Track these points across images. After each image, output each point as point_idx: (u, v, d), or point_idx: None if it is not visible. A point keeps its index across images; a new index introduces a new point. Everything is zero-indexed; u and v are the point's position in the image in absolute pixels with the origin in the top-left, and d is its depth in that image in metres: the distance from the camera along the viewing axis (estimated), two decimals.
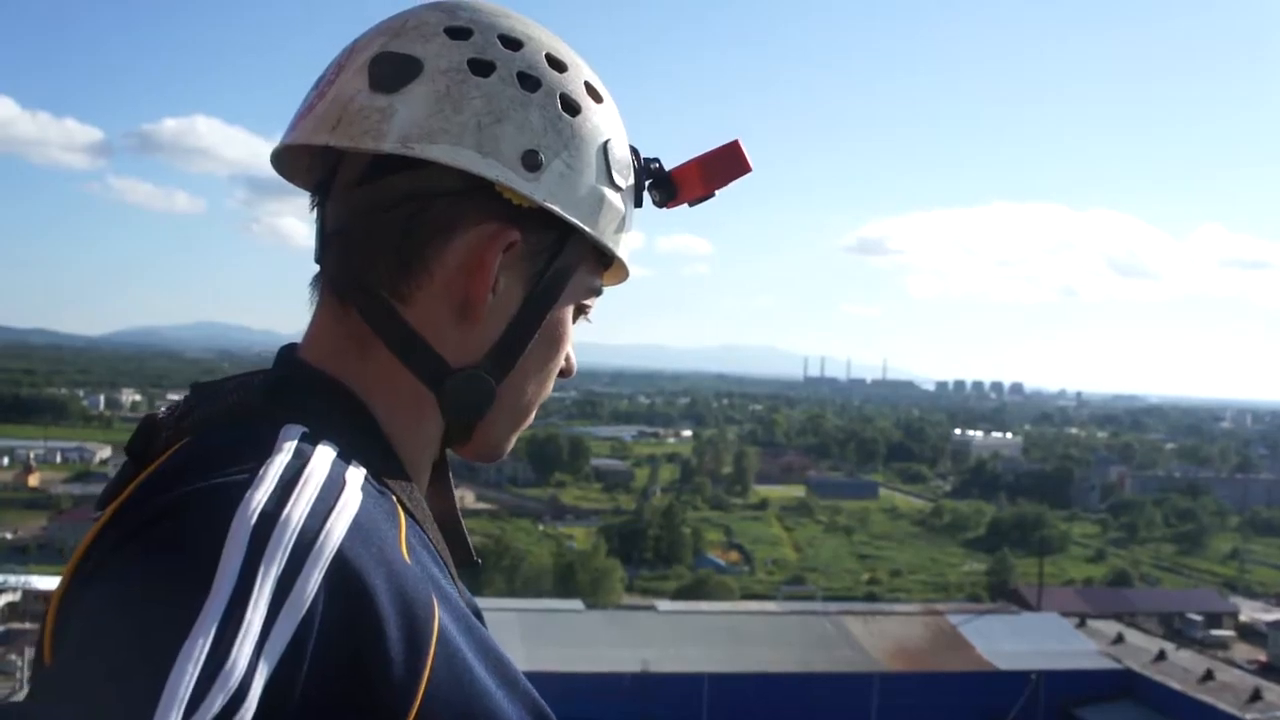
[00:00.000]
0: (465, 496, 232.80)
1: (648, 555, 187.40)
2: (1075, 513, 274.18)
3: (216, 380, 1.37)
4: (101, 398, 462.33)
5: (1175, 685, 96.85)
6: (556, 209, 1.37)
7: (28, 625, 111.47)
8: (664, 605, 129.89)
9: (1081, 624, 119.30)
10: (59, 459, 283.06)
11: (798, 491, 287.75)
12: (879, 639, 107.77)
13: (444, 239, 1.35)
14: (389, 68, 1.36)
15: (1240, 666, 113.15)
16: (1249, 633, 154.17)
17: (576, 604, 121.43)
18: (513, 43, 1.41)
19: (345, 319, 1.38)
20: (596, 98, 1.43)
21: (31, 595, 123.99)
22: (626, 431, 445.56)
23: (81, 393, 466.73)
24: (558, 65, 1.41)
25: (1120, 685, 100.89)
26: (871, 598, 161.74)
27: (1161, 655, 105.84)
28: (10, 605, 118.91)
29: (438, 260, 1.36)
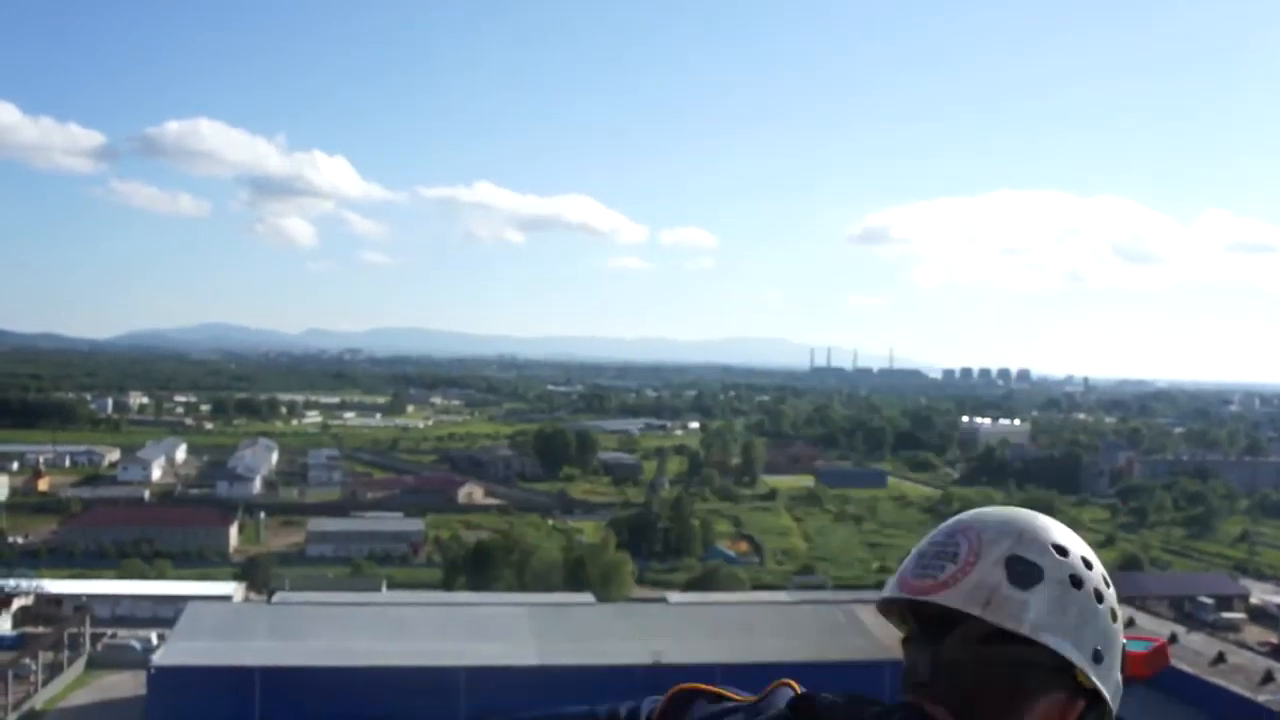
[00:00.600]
0: (474, 493, 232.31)
1: (657, 548, 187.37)
2: (1084, 498, 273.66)
3: (840, 702, 2.48)
4: (109, 401, 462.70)
5: (1187, 669, 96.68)
6: (1105, 694, 2.14)
7: (40, 629, 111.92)
8: (675, 597, 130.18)
9: None
10: (68, 463, 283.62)
11: (806, 481, 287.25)
12: (891, 627, 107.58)
13: (1036, 697, 2.15)
14: (1022, 569, 2.18)
15: (1252, 649, 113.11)
16: (1260, 615, 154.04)
17: (587, 597, 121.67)
18: (1088, 564, 2.27)
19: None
20: (1116, 615, 2.20)
21: (44, 599, 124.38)
22: (634, 425, 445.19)
23: (89, 396, 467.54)
24: (1108, 584, 2.25)
25: None
26: (882, 586, 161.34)
27: (1173, 638, 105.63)
28: (23, 609, 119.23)
29: (1029, 710, 2.16)
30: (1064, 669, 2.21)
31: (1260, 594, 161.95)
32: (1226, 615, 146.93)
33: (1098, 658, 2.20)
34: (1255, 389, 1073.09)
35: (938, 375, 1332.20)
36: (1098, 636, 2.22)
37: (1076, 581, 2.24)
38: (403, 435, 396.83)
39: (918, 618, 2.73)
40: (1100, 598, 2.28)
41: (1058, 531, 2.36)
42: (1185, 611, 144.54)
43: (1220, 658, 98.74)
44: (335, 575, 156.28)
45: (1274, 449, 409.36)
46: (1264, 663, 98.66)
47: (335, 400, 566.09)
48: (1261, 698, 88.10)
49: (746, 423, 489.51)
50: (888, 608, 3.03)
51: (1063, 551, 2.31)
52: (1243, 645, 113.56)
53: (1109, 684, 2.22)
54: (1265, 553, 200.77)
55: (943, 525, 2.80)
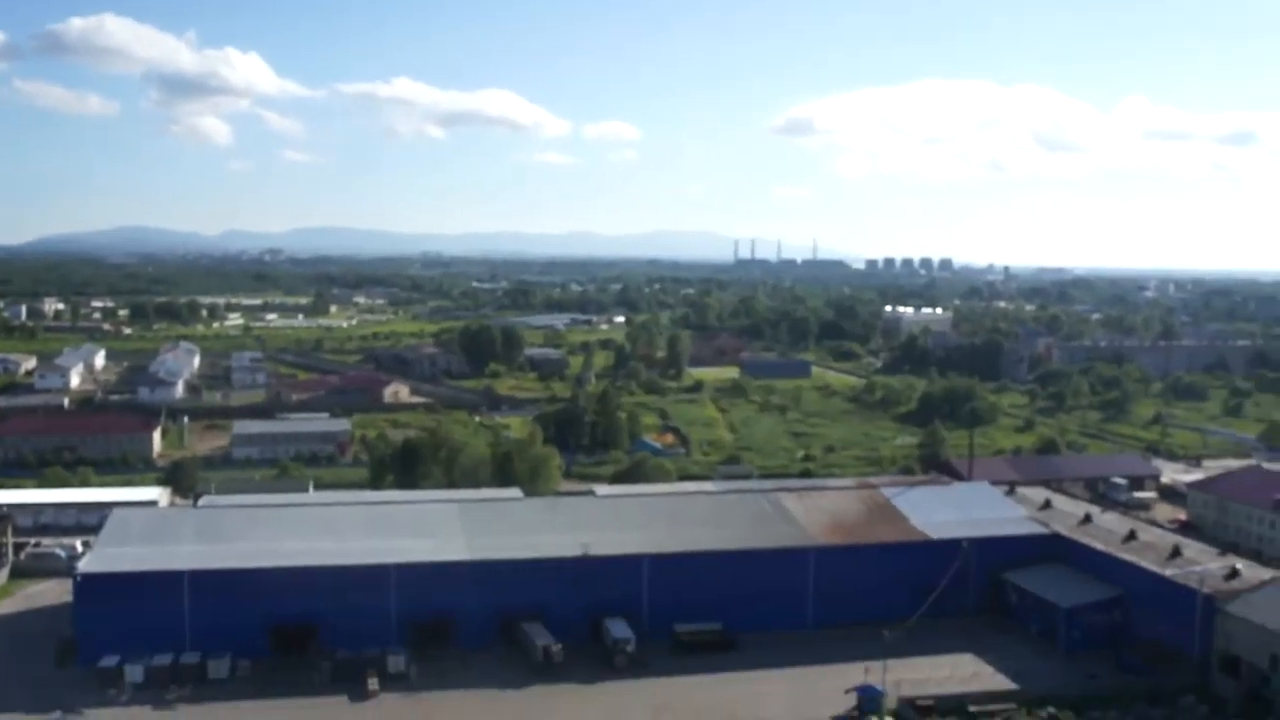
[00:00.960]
0: (400, 391, 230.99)
1: (584, 441, 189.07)
2: (1004, 384, 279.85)
3: None
4: (23, 308, 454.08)
5: (1100, 546, 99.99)
6: None
7: None
8: (602, 490, 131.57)
9: (1011, 491, 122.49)
10: None
11: (731, 373, 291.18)
12: (815, 514, 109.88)
13: None
14: None
15: (1161, 526, 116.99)
16: (1170, 494, 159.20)
17: (515, 492, 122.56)
18: None
19: None
20: None
21: None
22: (559, 320, 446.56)
23: (1, 304, 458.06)
24: None
25: (1048, 549, 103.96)
26: (806, 474, 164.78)
27: (1087, 518, 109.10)
28: None
29: None
30: None
31: (1171, 474, 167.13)
32: (1139, 495, 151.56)
33: None
34: (1171, 275, 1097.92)
35: (861, 265, 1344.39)
36: None
37: None
38: (326, 335, 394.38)
39: None
40: None
41: None
42: (1100, 492, 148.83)
43: (1132, 535, 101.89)
44: (262, 477, 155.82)
45: (1187, 333, 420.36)
46: (1172, 539, 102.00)
47: (257, 302, 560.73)
48: (1169, 572, 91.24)
49: (672, 316, 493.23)
50: None
51: None
52: (1153, 523, 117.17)
53: None
54: (1176, 434, 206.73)
55: None
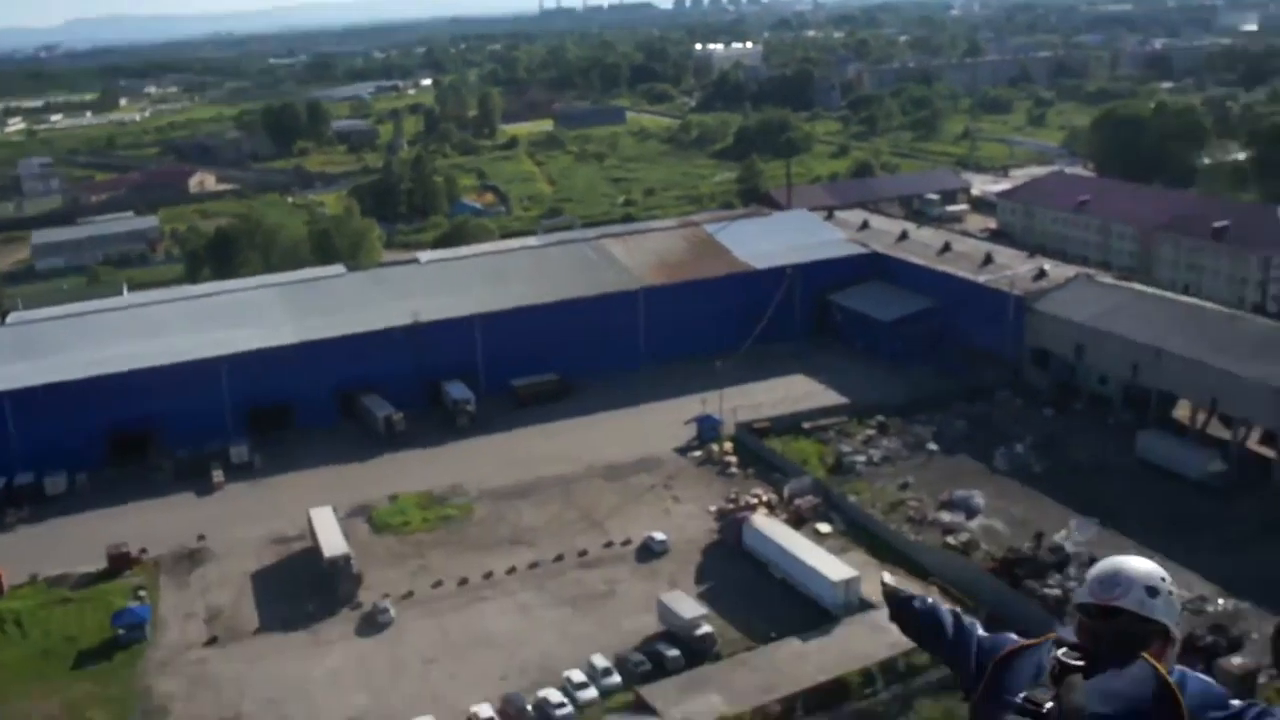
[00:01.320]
0: (205, 180, 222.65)
1: (402, 210, 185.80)
2: (817, 113, 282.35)
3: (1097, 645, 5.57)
4: None
5: (917, 260, 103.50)
6: (1178, 639, 5.77)
7: None
8: (426, 256, 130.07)
9: (829, 216, 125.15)
10: None
11: (545, 125, 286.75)
12: (640, 256, 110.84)
13: (1161, 643, 5.64)
14: (1152, 592, 5.79)
15: (974, 236, 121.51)
16: (981, 205, 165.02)
17: (338, 269, 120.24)
18: (1170, 584, 5.85)
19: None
20: (1179, 599, 5.97)
21: None
22: (364, 89, 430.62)
23: None
24: (1175, 589, 5.87)
25: (869, 267, 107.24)
26: (629, 219, 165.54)
27: (904, 235, 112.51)
28: None
29: (1161, 650, 5.61)
30: (1168, 631, 5.55)
31: (980, 185, 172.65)
32: (951, 209, 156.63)
33: (1176, 623, 5.58)
34: None
35: (669, 6, 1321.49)
36: (1178, 616, 5.62)
37: (1169, 594, 5.56)
38: (120, 131, 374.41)
39: (1100, 614, 5.67)
40: (1177, 598, 5.67)
41: (1160, 570, 5.72)
42: (915, 209, 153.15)
43: (946, 247, 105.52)
44: (71, 286, 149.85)
45: (992, 48, 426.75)
46: (985, 247, 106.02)
47: (38, 103, 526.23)
48: (982, 278, 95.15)
49: (480, 73, 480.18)
50: (1079, 607, 5.83)
51: (1164, 579, 5.68)
52: (967, 234, 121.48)
53: (1180, 637, 5.60)
54: (984, 146, 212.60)
55: (1106, 570, 5.88)
